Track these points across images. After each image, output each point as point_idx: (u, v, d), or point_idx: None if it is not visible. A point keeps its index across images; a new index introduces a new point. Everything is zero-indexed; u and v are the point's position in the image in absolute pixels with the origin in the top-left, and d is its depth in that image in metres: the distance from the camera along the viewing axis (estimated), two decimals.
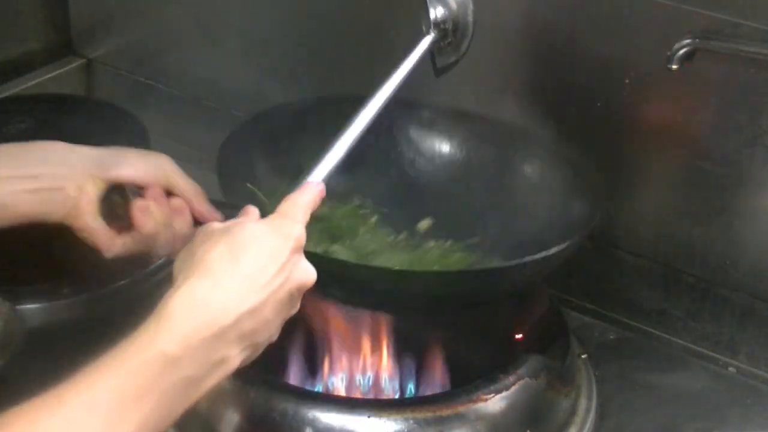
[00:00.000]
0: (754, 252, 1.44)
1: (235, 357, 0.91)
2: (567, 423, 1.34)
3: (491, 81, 1.56)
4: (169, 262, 1.61)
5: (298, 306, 1.00)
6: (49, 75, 1.97)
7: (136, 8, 1.91)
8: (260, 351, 0.96)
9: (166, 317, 0.88)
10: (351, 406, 1.25)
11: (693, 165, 1.44)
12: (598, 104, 1.47)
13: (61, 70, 1.99)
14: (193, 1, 1.84)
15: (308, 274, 1.00)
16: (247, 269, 0.93)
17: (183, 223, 1.13)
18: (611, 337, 1.52)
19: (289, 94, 1.64)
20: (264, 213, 1.06)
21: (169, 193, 1.17)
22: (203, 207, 1.15)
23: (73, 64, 2.00)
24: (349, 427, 1.24)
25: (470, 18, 1.39)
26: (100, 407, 0.81)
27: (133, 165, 1.15)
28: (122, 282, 1.55)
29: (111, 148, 1.16)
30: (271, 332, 0.96)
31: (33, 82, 1.93)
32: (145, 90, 1.93)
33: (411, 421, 1.24)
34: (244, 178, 1.39)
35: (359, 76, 1.67)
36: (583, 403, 1.38)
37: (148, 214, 1.11)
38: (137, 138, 1.69)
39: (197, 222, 1.14)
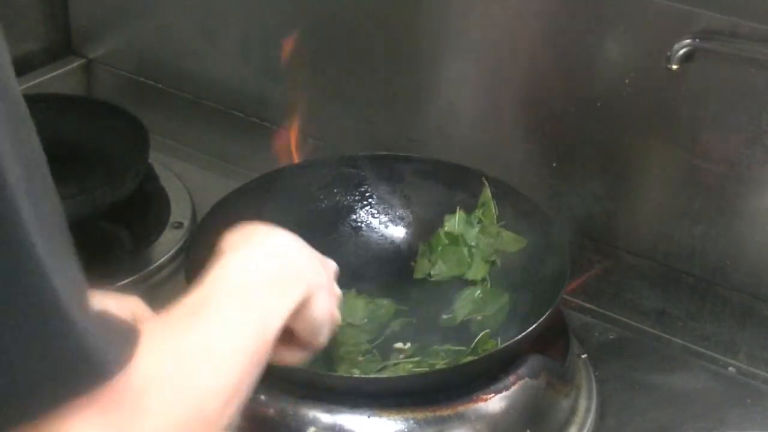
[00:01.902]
0: (754, 252, 1.44)
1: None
2: (567, 423, 1.34)
3: (490, 81, 1.56)
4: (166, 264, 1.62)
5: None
6: (49, 75, 1.97)
7: (136, 8, 1.91)
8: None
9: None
10: (351, 406, 1.25)
11: (693, 165, 1.44)
12: (598, 104, 1.47)
13: (61, 70, 1.99)
14: (193, 1, 1.84)
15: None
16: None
17: None
18: (611, 337, 1.52)
19: (289, 94, 1.64)
20: None
21: None
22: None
23: (73, 64, 2.00)
24: (349, 427, 1.24)
25: None
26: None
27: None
28: (122, 282, 1.55)
29: None
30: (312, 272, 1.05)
31: (33, 82, 1.93)
32: (145, 90, 1.93)
33: (411, 421, 1.24)
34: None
35: (359, 76, 1.68)
36: (583, 403, 1.38)
37: None
38: (137, 138, 1.69)
39: None
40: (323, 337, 1.10)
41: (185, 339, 0.86)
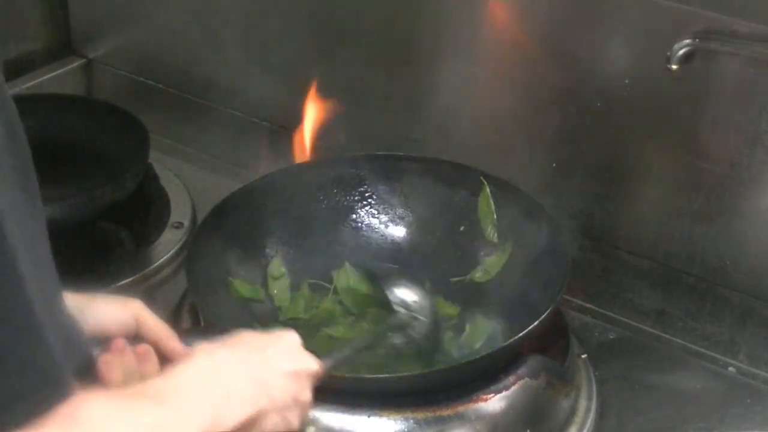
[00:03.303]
0: (754, 252, 1.44)
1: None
2: (567, 423, 1.34)
3: (490, 81, 1.56)
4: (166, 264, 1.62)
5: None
6: (49, 75, 1.97)
7: (136, 8, 1.91)
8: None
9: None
10: (351, 406, 1.25)
11: (693, 165, 1.44)
12: (598, 104, 1.47)
13: (61, 70, 1.99)
14: (193, 1, 1.84)
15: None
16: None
17: (149, 368, 1.13)
18: (611, 337, 1.52)
19: (289, 94, 1.64)
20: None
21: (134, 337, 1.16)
22: (174, 346, 1.14)
23: (73, 64, 2.00)
24: (349, 427, 1.24)
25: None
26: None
27: (103, 316, 1.12)
28: (122, 282, 1.55)
29: (79, 295, 1.11)
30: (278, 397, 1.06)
31: (33, 82, 1.93)
32: (145, 90, 1.93)
33: (411, 421, 1.24)
34: (216, 272, 1.43)
35: (359, 76, 1.68)
36: (583, 403, 1.38)
37: (113, 367, 1.09)
38: (137, 138, 1.69)
39: (167, 360, 1.13)
40: None
41: (140, 414, 0.90)
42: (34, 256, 0.77)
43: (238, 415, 1.00)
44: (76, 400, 0.80)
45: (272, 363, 1.07)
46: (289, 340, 1.11)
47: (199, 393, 0.97)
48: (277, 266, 1.49)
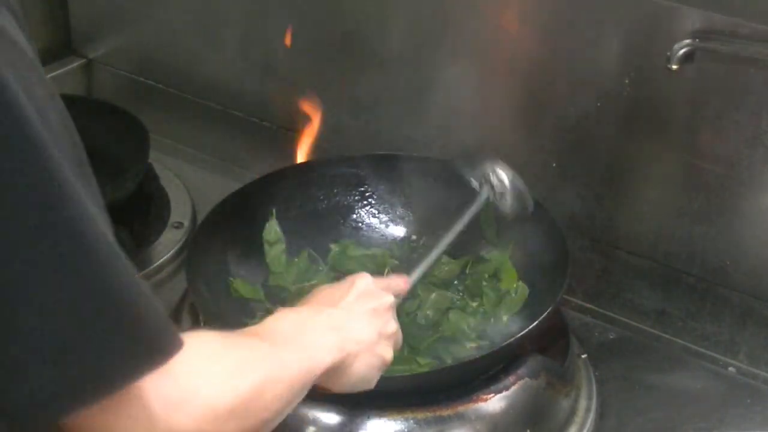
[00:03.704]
0: (754, 252, 1.44)
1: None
2: (567, 423, 1.34)
3: (490, 81, 1.56)
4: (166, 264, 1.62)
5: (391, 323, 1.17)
6: (49, 75, 1.97)
7: (136, 8, 1.91)
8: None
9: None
10: (351, 406, 1.25)
11: (693, 165, 1.44)
12: (598, 104, 1.47)
13: (61, 70, 1.99)
14: (193, 1, 1.84)
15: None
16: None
17: None
18: (611, 337, 1.52)
19: (289, 95, 1.64)
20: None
21: None
22: None
23: (73, 64, 2.00)
24: (349, 427, 1.24)
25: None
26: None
27: None
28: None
29: None
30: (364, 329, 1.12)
31: None
32: (145, 90, 1.93)
33: (411, 421, 1.24)
34: (216, 272, 1.44)
35: (359, 75, 1.68)
36: (583, 403, 1.38)
37: None
38: (137, 138, 1.69)
39: None
40: (369, 386, 1.14)
41: (236, 353, 0.93)
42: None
43: (327, 361, 1.04)
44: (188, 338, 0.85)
45: (352, 309, 1.12)
46: (361, 282, 1.16)
47: (289, 339, 1.01)
48: (272, 229, 1.49)
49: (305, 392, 1.00)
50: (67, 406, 0.78)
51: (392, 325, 1.15)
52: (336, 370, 1.06)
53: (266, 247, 1.48)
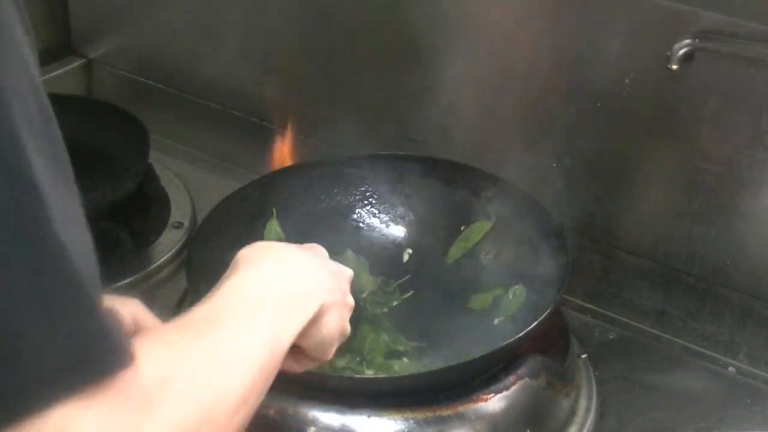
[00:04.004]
0: (754, 252, 1.44)
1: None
2: (567, 423, 1.34)
3: (490, 81, 1.56)
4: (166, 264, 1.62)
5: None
6: (49, 75, 1.97)
7: (136, 8, 1.91)
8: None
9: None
10: (351, 405, 1.25)
11: (693, 165, 1.44)
12: (598, 104, 1.47)
13: (61, 70, 1.99)
14: (193, 1, 1.84)
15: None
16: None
17: None
18: (611, 337, 1.52)
19: (289, 95, 1.64)
20: None
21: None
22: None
23: (73, 64, 2.00)
24: (349, 427, 1.24)
25: None
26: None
27: None
28: (122, 282, 1.55)
29: None
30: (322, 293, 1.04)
31: None
32: (145, 90, 1.93)
33: (411, 421, 1.24)
34: (216, 272, 1.42)
35: (359, 75, 1.68)
36: (583, 403, 1.38)
37: None
38: (137, 138, 1.69)
39: None
40: (331, 353, 1.10)
41: (197, 343, 0.86)
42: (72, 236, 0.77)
43: (303, 314, 0.99)
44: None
45: (320, 261, 1.07)
46: (320, 248, 1.12)
47: (254, 304, 0.94)
48: (272, 229, 1.49)
49: (287, 347, 0.96)
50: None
51: (350, 298, 1.09)
52: (310, 325, 1.01)
53: None
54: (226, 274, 0.99)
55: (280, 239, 1.49)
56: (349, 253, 1.49)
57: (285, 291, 0.98)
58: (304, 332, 1.00)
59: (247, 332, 0.91)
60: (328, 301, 1.03)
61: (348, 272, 1.12)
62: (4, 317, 0.72)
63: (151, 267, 1.60)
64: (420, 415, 1.25)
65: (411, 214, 1.55)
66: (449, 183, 1.52)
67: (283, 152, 1.62)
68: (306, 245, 1.12)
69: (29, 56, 0.79)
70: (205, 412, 0.82)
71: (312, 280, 1.03)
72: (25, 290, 0.73)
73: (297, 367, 1.09)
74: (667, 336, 1.53)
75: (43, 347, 0.73)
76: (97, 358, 0.75)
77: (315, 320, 1.02)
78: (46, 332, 0.73)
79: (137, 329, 1.12)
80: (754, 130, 1.37)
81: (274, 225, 1.49)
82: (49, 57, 1.98)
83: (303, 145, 1.62)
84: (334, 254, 1.47)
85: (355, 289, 1.14)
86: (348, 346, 1.27)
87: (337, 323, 1.06)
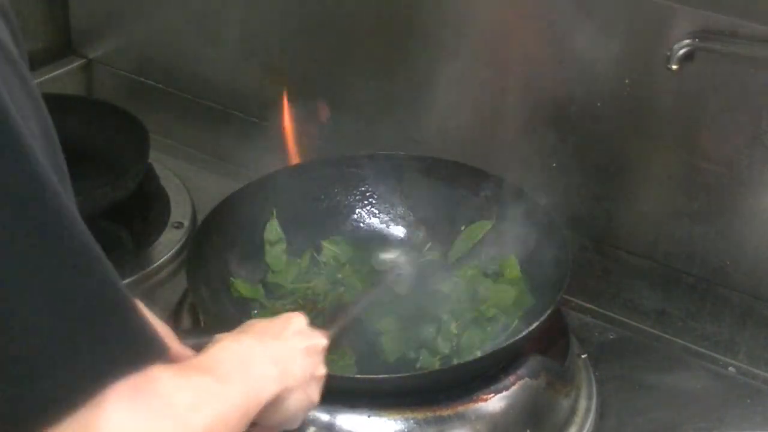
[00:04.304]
0: (754, 252, 1.44)
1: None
2: (567, 423, 1.34)
3: (490, 81, 1.56)
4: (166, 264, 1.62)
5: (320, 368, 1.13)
6: (49, 75, 1.97)
7: (136, 8, 1.91)
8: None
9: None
10: (351, 406, 1.25)
11: (693, 165, 1.44)
12: (598, 104, 1.47)
13: (61, 70, 1.99)
14: (193, 1, 1.84)
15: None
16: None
17: None
18: (611, 337, 1.52)
19: (289, 95, 1.64)
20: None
21: None
22: (174, 346, 1.14)
23: (73, 64, 2.00)
24: (349, 427, 1.24)
25: None
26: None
27: None
28: (122, 282, 1.54)
29: None
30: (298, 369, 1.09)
31: None
32: (145, 90, 1.93)
33: (411, 421, 1.24)
34: (216, 272, 1.44)
35: (359, 76, 1.68)
36: (583, 403, 1.38)
37: None
38: (137, 138, 1.69)
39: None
40: (297, 425, 1.13)
41: (187, 393, 0.91)
42: None
43: (270, 391, 1.03)
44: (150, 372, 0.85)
45: (289, 344, 1.10)
46: (296, 321, 1.14)
47: (235, 372, 1.00)
48: (273, 229, 1.49)
49: (249, 422, 0.99)
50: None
51: (322, 369, 1.13)
52: (273, 403, 1.05)
53: (267, 246, 1.49)
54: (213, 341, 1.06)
55: (280, 239, 1.49)
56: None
57: (256, 369, 1.03)
58: (267, 409, 1.04)
59: (227, 389, 0.97)
60: (291, 384, 1.07)
61: (321, 343, 1.14)
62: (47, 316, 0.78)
63: (151, 267, 1.60)
64: (420, 415, 1.25)
65: (411, 214, 1.55)
66: (449, 183, 1.52)
67: (283, 152, 1.62)
68: (283, 317, 1.15)
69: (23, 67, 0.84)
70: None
71: (278, 365, 1.06)
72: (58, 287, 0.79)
73: None
74: (667, 336, 1.53)
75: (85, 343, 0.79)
76: (134, 351, 0.83)
77: (278, 402, 1.06)
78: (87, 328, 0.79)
79: None
80: (754, 130, 1.37)
81: (274, 225, 1.49)
82: (49, 57, 1.98)
83: (303, 145, 1.62)
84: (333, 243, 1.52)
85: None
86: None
87: (300, 403, 1.09)
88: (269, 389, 1.03)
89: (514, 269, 1.44)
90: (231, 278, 1.44)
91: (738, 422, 1.37)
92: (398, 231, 1.55)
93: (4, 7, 0.84)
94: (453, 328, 1.39)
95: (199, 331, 1.35)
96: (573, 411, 1.36)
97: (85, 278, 0.80)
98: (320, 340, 1.13)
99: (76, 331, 0.79)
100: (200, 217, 1.58)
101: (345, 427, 1.24)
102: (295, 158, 1.60)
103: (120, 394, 0.81)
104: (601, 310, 1.56)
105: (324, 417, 1.24)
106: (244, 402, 0.98)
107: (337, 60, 1.70)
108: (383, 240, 1.55)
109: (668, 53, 1.35)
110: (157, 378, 0.86)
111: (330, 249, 1.51)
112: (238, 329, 1.10)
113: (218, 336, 1.06)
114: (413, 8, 1.60)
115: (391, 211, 1.56)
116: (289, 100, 1.66)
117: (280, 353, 1.08)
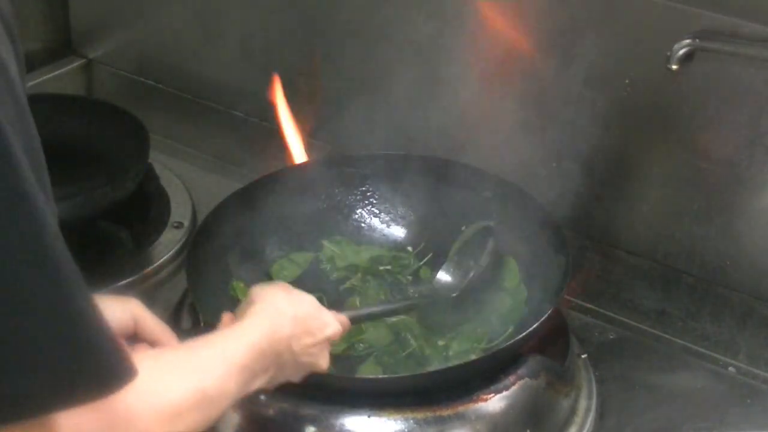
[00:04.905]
0: (754, 252, 1.44)
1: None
2: (567, 423, 1.34)
3: (490, 81, 1.56)
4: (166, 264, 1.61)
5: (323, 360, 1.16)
6: (49, 75, 1.97)
7: (136, 8, 1.91)
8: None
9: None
10: (351, 406, 1.25)
11: (693, 165, 1.44)
12: (599, 104, 1.47)
13: (61, 70, 1.99)
14: (193, 1, 1.84)
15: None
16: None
17: None
18: (611, 337, 1.52)
19: (289, 95, 1.64)
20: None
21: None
22: (173, 344, 1.15)
23: (73, 64, 2.00)
24: (349, 427, 1.24)
25: None
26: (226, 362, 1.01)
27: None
28: (122, 282, 1.55)
29: None
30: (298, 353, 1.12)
31: (33, 82, 1.92)
32: (145, 90, 1.93)
33: (411, 421, 1.24)
34: (216, 273, 1.45)
35: (359, 76, 1.68)
36: (583, 403, 1.38)
37: None
38: (137, 138, 1.69)
39: None
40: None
41: (179, 379, 0.94)
42: None
43: (257, 385, 1.06)
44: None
45: (293, 348, 1.11)
46: (306, 303, 1.16)
47: (228, 363, 1.01)
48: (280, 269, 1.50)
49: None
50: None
51: (323, 362, 1.15)
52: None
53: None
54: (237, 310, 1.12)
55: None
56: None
57: (251, 367, 1.05)
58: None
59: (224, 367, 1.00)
60: (279, 378, 1.10)
61: (327, 333, 1.15)
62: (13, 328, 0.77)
63: (151, 267, 1.60)
64: (420, 415, 1.25)
65: (411, 214, 1.55)
66: (449, 183, 1.52)
67: (283, 152, 1.62)
68: (295, 296, 1.16)
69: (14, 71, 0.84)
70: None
71: (275, 368, 1.09)
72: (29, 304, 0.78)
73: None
74: (667, 336, 1.53)
75: (46, 359, 0.79)
76: (98, 372, 0.82)
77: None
78: (49, 346, 0.79)
79: (137, 329, 1.12)
80: (754, 130, 1.37)
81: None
82: (49, 57, 1.98)
83: (303, 145, 1.62)
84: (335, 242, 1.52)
85: None
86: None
87: (296, 373, 1.13)
88: (257, 383, 1.05)
89: (513, 277, 1.44)
90: (231, 279, 1.44)
91: (738, 422, 1.37)
92: (399, 231, 1.55)
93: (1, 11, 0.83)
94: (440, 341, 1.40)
95: (199, 331, 1.35)
96: (573, 411, 1.36)
97: (50, 301, 0.79)
98: (325, 332, 1.15)
99: (29, 351, 0.78)
100: (200, 217, 1.58)
101: (345, 427, 1.24)
102: (295, 158, 1.59)
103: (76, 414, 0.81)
104: (601, 310, 1.56)
105: (324, 417, 1.24)
106: (238, 378, 1.00)
107: (337, 60, 1.70)
108: (384, 240, 1.55)
109: (668, 53, 1.35)
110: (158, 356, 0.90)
111: (331, 249, 1.51)
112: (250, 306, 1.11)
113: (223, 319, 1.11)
114: (414, 9, 1.60)
115: (392, 211, 1.56)
116: (289, 100, 1.65)
117: (281, 359, 1.09)
